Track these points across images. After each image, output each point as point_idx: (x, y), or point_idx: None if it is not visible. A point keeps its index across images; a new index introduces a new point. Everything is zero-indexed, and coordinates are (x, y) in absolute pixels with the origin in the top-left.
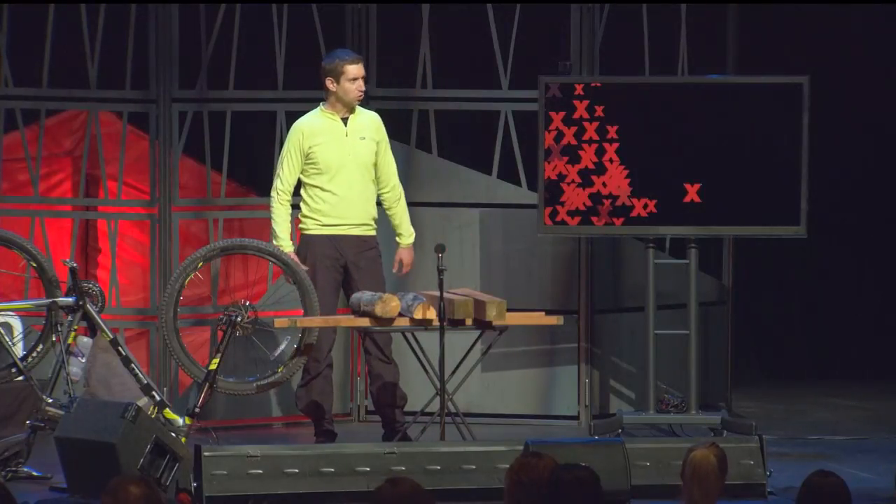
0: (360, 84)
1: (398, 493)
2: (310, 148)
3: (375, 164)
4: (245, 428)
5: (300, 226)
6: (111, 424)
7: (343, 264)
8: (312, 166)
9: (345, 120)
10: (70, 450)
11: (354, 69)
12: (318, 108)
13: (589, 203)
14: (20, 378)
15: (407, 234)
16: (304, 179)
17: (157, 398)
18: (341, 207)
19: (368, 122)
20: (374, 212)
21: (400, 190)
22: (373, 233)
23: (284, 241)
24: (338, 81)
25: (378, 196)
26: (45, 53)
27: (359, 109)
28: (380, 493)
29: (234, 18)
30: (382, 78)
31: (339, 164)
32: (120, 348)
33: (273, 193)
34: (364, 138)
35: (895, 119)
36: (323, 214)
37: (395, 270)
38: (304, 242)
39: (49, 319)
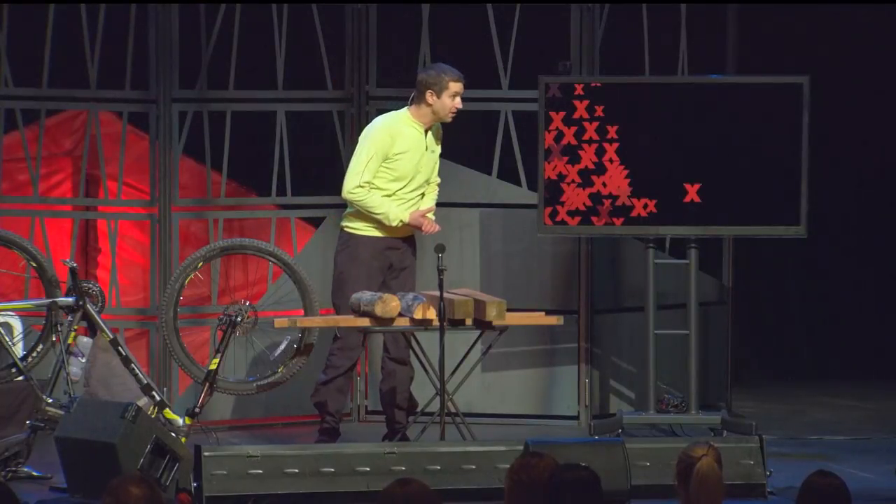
0: (459, 102)
1: (407, 493)
2: (395, 155)
3: None
4: (245, 428)
5: (346, 222)
6: (111, 424)
7: (387, 267)
8: (388, 172)
9: (425, 132)
10: (70, 450)
11: (458, 86)
12: (404, 111)
13: (589, 203)
14: (20, 378)
15: (428, 202)
16: (375, 181)
17: (157, 398)
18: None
19: (437, 134)
20: None
21: (436, 183)
22: (410, 234)
23: (399, 216)
24: (439, 96)
25: None
26: (45, 53)
27: None
28: (388, 492)
29: (234, 18)
30: (382, 78)
31: (414, 175)
32: (120, 348)
33: (355, 189)
34: (433, 152)
35: (895, 119)
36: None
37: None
38: (352, 240)
39: (49, 319)
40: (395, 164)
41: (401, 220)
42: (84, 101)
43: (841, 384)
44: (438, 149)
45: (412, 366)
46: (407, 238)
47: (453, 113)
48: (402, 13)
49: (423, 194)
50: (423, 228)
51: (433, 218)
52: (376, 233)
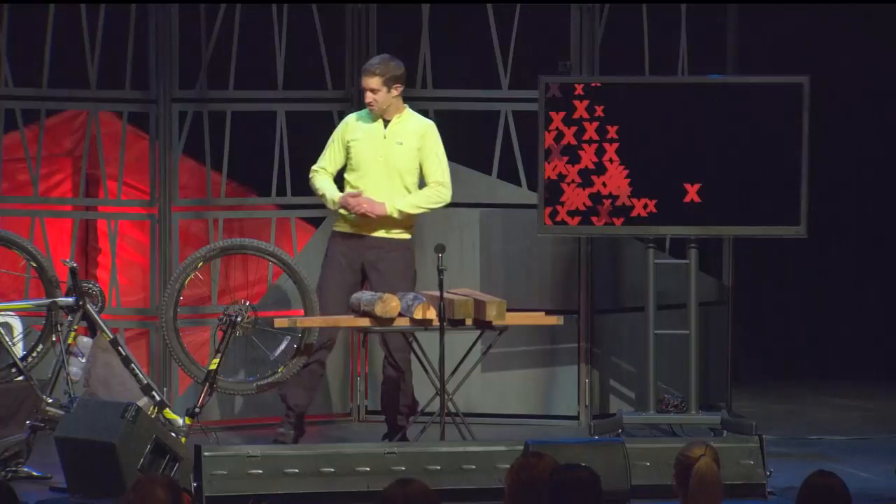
0: (367, 96)
1: (407, 493)
2: (348, 142)
3: (420, 169)
4: (245, 428)
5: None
6: (111, 424)
7: (360, 267)
8: (349, 161)
9: (386, 122)
10: (70, 450)
11: (363, 79)
12: None
13: (589, 203)
14: (20, 378)
15: (398, 202)
16: (344, 174)
17: (157, 398)
18: None
19: (413, 129)
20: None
21: (439, 188)
22: (398, 236)
23: (335, 197)
24: None
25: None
26: (45, 53)
27: (409, 115)
28: (388, 492)
29: (234, 18)
30: None
31: (369, 165)
32: (120, 348)
33: (311, 172)
34: (401, 143)
35: (894, 118)
36: (347, 210)
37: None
38: (330, 237)
39: (49, 319)
40: (350, 153)
41: (333, 202)
42: (84, 101)
43: (841, 384)
44: (415, 143)
45: (411, 370)
46: (383, 237)
47: (368, 104)
48: (402, 13)
49: (405, 189)
50: (349, 206)
51: (390, 205)
52: (345, 228)
